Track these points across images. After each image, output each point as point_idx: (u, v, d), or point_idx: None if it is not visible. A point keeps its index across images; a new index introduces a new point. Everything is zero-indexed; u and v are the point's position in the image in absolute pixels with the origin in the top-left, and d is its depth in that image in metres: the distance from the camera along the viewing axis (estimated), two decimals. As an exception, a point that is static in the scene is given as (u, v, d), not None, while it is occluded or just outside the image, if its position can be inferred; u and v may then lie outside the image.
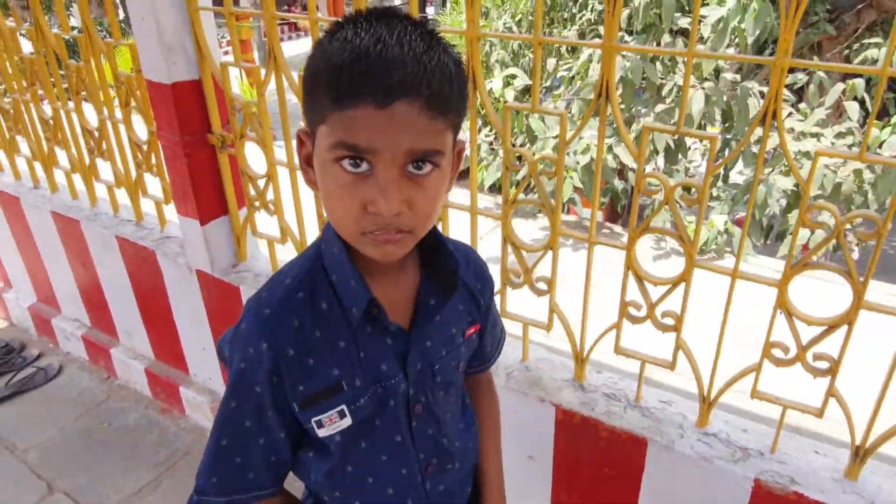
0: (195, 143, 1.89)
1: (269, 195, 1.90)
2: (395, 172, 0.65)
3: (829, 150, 1.19)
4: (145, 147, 2.11)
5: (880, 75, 1.06)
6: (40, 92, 2.37)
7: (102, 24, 9.12)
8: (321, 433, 0.79)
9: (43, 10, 2.17)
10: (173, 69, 1.79)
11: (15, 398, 2.59)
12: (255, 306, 0.77)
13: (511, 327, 1.70)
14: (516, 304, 1.64)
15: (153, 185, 2.20)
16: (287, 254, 1.98)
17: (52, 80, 2.29)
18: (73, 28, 2.17)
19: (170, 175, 1.98)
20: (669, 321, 1.44)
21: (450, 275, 0.82)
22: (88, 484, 2.18)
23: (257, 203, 1.93)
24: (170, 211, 2.18)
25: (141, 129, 2.12)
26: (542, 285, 1.57)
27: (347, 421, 0.79)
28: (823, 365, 1.30)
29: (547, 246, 1.52)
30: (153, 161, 2.12)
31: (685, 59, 1.24)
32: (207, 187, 1.96)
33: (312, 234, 1.85)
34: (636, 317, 1.48)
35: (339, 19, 0.69)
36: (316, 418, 0.78)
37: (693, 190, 1.29)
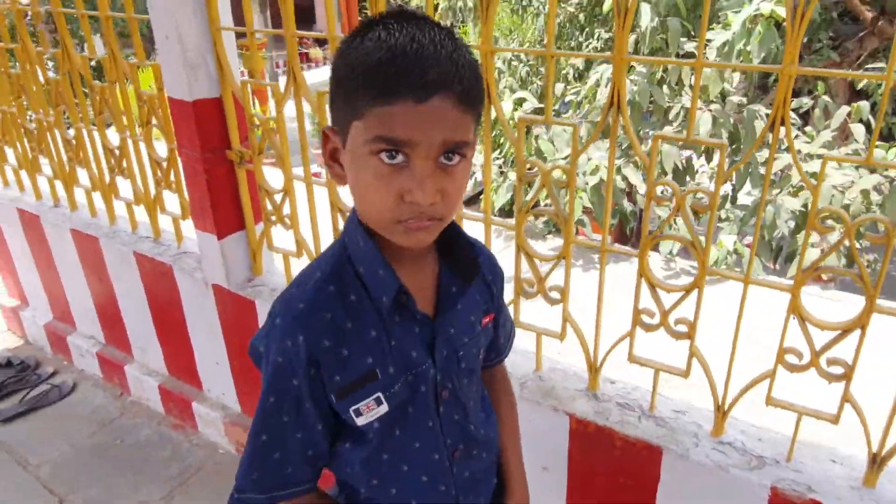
0: (214, 159, 1.94)
1: (286, 209, 1.94)
2: (430, 164, 0.69)
3: (837, 156, 1.22)
4: (164, 164, 2.16)
5: (884, 80, 1.09)
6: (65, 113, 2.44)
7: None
8: (360, 421, 0.81)
9: (70, 34, 2.25)
10: (195, 87, 1.84)
11: (29, 415, 2.61)
12: (288, 301, 0.79)
13: (524, 338, 1.72)
14: (528, 315, 1.66)
15: (171, 201, 2.24)
16: (302, 266, 2.02)
17: (76, 100, 2.36)
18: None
19: (189, 190, 2.03)
20: (683, 328, 1.45)
21: (470, 262, 0.85)
22: (100, 499, 2.18)
23: (274, 217, 1.97)
24: (186, 227, 2.22)
25: (160, 148, 2.17)
26: (555, 294, 1.59)
27: (384, 407, 0.81)
28: (838, 370, 1.30)
29: (560, 255, 1.55)
30: (172, 178, 2.17)
31: (692, 82, 1.27)
32: (225, 202, 2.00)
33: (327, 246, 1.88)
34: (649, 324, 1.49)
35: (366, 20, 0.72)
36: (354, 407, 0.80)
37: (701, 196, 1.32)
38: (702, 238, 1.35)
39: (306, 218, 1.89)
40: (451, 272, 0.86)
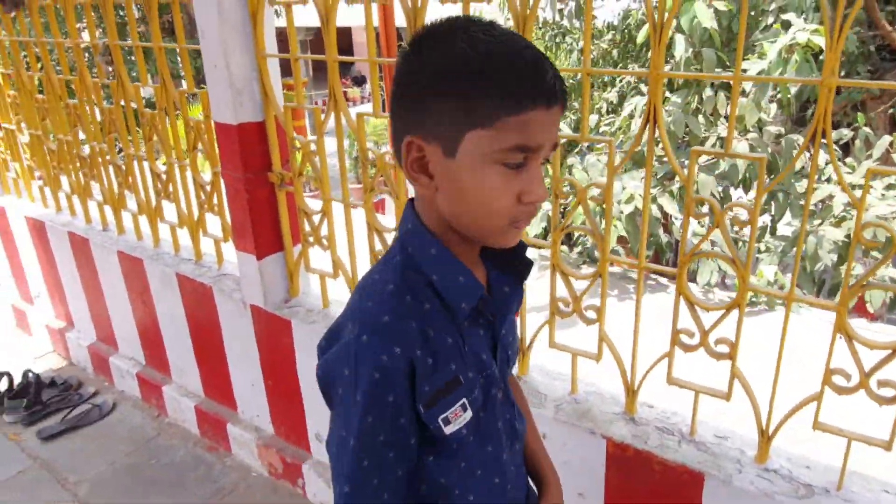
0: (256, 180, 2.00)
1: (324, 231, 1.98)
2: (540, 164, 0.73)
3: (882, 168, 1.20)
4: (208, 188, 2.24)
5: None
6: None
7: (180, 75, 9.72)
8: (448, 430, 0.79)
9: (125, 64, 2.37)
10: (240, 111, 1.91)
11: (70, 433, 2.66)
12: (369, 316, 0.75)
13: (559, 360, 1.70)
14: (563, 336, 1.64)
15: (213, 225, 2.31)
16: (338, 288, 2.04)
17: (127, 129, 2.47)
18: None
19: (231, 211, 2.08)
20: (724, 349, 1.42)
21: (524, 262, 0.86)
22: (135, 518, 2.20)
23: (311, 238, 2.00)
24: (227, 251, 2.27)
25: (205, 173, 2.25)
26: (591, 314, 1.58)
27: (469, 413, 0.80)
28: (890, 392, 1.26)
29: (596, 273, 1.54)
30: (214, 201, 2.24)
31: (727, 112, 1.27)
32: (265, 224, 2.05)
33: (363, 267, 1.91)
34: (689, 345, 1.46)
35: (439, 25, 0.72)
36: (442, 415, 0.78)
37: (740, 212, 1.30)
38: (743, 255, 1.33)
39: (343, 240, 1.92)
40: (499, 273, 0.87)
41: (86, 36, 2.47)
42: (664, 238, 4.22)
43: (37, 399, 2.78)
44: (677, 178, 3.94)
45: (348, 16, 1.69)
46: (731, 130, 1.32)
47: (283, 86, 2.03)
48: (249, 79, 1.91)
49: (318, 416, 2.15)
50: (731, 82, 1.29)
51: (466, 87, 0.67)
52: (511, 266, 0.87)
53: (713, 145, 3.89)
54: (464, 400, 0.79)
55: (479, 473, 0.85)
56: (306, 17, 1.98)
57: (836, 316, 1.26)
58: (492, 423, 0.86)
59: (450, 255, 0.78)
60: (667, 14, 1.27)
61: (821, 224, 3.66)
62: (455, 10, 1.52)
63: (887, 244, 1.20)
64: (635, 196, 3.70)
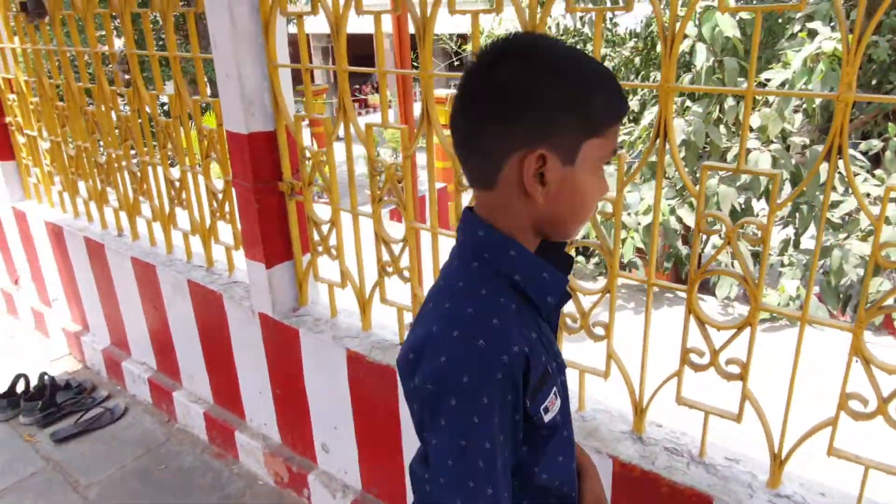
0: (266, 189, 2.00)
1: (332, 241, 1.97)
2: None
3: (901, 187, 1.14)
4: (220, 196, 2.24)
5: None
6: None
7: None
8: (547, 417, 0.82)
9: (141, 73, 2.40)
10: (251, 120, 1.92)
11: (82, 436, 2.68)
12: (476, 321, 0.76)
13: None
14: (570, 353, 1.61)
15: (225, 232, 2.31)
16: (346, 297, 2.03)
17: (143, 136, 2.49)
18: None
19: (241, 219, 2.09)
20: (735, 369, 1.37)
21: (567, 256, 0.90)
22: (142, 524, 2.21)
23: (321, 248, 2.00)
24: (239, 258, 2.28)
25: (217, 180, 2.25)
26: (599, 330, 1.54)
27: (559, 401, 0.84)
28: (909, 419, 1.20)
29: (604, 289, 1.50)
30: (227, 209, 2.24)
31: (750, 122, 1.24)
32: (275, 232, 2.05)
33: (371, 277, 1.90)
34: (698, 364, 1.42)
35: (524, 38, 0.78)
36: (543, 405, 0.81)
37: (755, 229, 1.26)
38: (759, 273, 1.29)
39: (351, 249, 1.91)
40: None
41: (107, 44, 2.50)
42: (684, 250, 4.15)
43: (52, 401, 2.81)
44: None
45: (370, 23, 1.67)
46: (744, 145, 1.28)
47: (298, 92, 2.04)
48: (261, 89, 1.91)
49: (324, 425, 2.14)
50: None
51: (588, 100, 0.74)
52: (558, 260, 0.89)
53: (736, 156, 3.81)
54: (554, 388, 0.83)
55: (560, 459, 0.89)
56: (324, 25, 1.97)
57: (853, 338, 1.21)
58: (567, 409, 0.89)
59: (531, 254, 0.82)
60: (678, 26, 1.24)
61: (847, 238, 3.56)
62: (464, 21, 1.50)
63: (907, 265, 1.15)
64: (653, 207, 3.63)
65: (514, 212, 0.80)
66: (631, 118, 5.11)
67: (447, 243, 1.68)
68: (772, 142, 3.60)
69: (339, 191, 1.93)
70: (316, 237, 2.01)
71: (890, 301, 1.23)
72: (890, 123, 4.54)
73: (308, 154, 1.92)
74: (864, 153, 4.44)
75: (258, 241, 2.03)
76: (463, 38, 9.35)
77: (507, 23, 6.39)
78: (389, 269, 1.85)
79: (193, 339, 2.50)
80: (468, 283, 0.80)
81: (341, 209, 1.91)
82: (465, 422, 0.74)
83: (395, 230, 1.86)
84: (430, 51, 1.58)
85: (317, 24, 1.84)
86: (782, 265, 3.91)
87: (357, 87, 18.23)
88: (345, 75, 1.77)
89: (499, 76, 0.74)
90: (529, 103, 0.73)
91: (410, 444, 1.87)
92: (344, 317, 2.07)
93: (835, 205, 3.68)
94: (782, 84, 3.37)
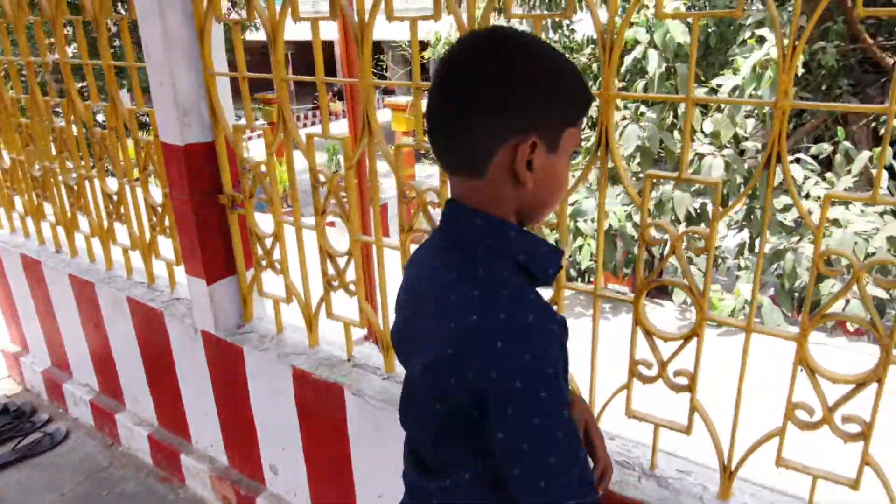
0: (205, 202, 1.92)
1: (277, 254, 1.89)
2: None
3: (840, 194, 1.13)
4: (160, 209, 2.15)
5: (888, 112, 1.02)
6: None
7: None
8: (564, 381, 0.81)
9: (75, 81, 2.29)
10: (186, 131, 1.84)
11: (20, 463, 2.54)
12: (515, 300, 0.76)
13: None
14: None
15: (166, 247, 2.22)
16: (294, 312, 1.96)
17: (79, 148, 2.38)
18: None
19: (180, 234, 2.00)
20: (682, 380, 1.34)
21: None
22: (81, 556, 2.09)
23: (264, 262, 1.92)
24: (180, 273, 2.18)
25: (157, 193, 2.16)
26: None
27: (562, 365, 0.81)
28: (854, 428, 1.19)
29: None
30: (167, 223, 2.15)
31: (702, 128, 1.23)
32: (216, 247, 1.97)
33: (317, 291, 1.83)
34: (647, 376, 1.39)
35: (514, 32, 0.78)
36: (562, 367, 0.80)
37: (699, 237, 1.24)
38: (712, 283, 1.26)
39: (297, 263, 1.84)
40: None
41: (39, 53, 2.38)
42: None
43: (-13, 428, 2.66)
44: (652, 195, 3.88)
45: (332, 30, 1.62)
46: (687, 151, 1.25)
47: (262, 101, 1.96)
48: (197, 98, 1.84)
49: (272, 446, 2.06)
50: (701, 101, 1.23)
51: (571, 89, 0.78)
52: None
53: (691, 161, 3.85)
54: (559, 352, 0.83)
55: (559, 436, 0.85)
56: (291, 31, 1.88)
57: (797, 348, 1.20)
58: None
59: (528, 232, 0.84)
60: (615, 35, 1.21)
61: (799, 241, 3.61)
62: (402, 28, 1.46)
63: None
64: (609, 213, 3.64)
65: (503, 198, 0.81)
66: (589, 124, 5.13)
67: (392, 256, 1.63)
68: (725, 147, 3.64)
69: (299, 202, 1.85)
70: (259, 251, 1.93)
71: (834, 308, 1.22)
72: (840, 128, 4.64)
73: (248, 165, 1.85)
74: (816, 157, 4.54)
75: (198, 256, 1.95)
76: (423, 45, 9.34)
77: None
78: (335, 283, 1.79)
79: (136, 359, 2.39)
80: (486, 269, 0.80)
81: (285, 222, 1.84)
82: (535, 399, 0.73)
83: (341, 242, 1.79)
84: (370, 58, 1.53)
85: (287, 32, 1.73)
86: (739, 268, 3.96)
87: (315, 95, 18.03)
88: (283, 84, 1.70)
89: (490, 65, 0.75)
90: (523, 92, 0.75)
91: (360, 463, 1.81)
92: (290, 333, 2.00)
93: (787, 208, 3.74)
94: (733, 89, 3.41)
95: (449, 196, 0.91)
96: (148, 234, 2.25)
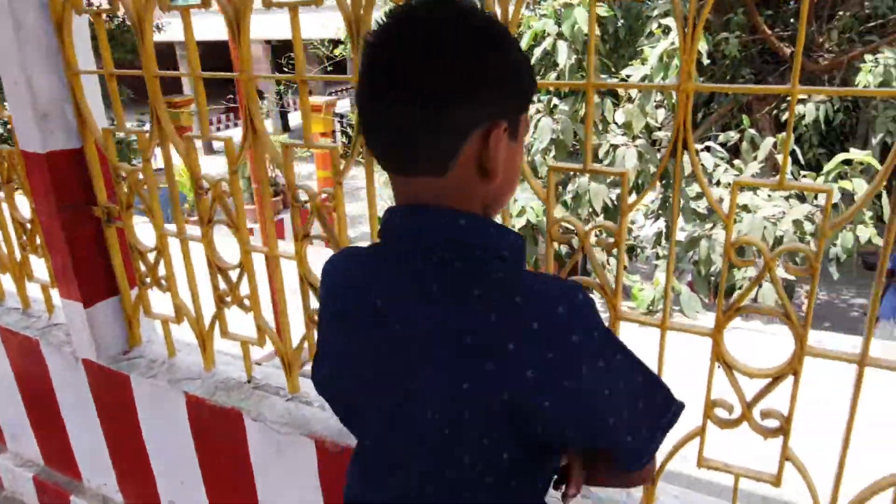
0: (77, 217, 1.71)
1: (162, 270, 1.71)
2: None
3: (747, 181, 1.08)
4: (29, 226, 1.92)
5: (790, 93, 0.97)
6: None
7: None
8: None
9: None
10: (49, 137, 1.63)
11: None
12: (552, 282, 0.71)
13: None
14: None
15: (41, 268, 1.98)
16: (183, 332, 1.78)
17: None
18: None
19: (51, 253, 1.78)
20: (773, 423, 1.26)
21: None
22: None
23: (149, 279, 1.73)
24: (57, 297, 1.95)
25: (27, 208, 1.92)
26: (771, 422, 1.15)
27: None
28: (773, 423, 1.15)
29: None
30: (38, 241, 1.92)
31: (614, 119, 1.17)
32: (92, 265, 1.76)
33: (209, 309, 1.66)
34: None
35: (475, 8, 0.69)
36: None
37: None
38: (629, 279, 1.19)
39: (184, 279, 1.66)
40: None
41: None
42: (563, 249, 4.17)
43: None
44: (569, 188, 3.89)
45: (224, 30, 1.44)
46: (589, 141, 1.18)
47: (168, 104, 1.76)
48: (59, 100, 1.63)
49: (169, 481, 1.87)
50: (616, 88, 1.15)
51: (527, 72, 0.73)
52: None
53: (606, 152, 3.87)
54: None
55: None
56: (205, 30, 1.69)
57: (713, 344, 1.15)
58: None
59: (500, 224, 0.78)
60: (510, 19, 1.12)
61: (713, 228, 3.69)
62: (316, 26, 1.32)
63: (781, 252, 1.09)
64: (526, 209, 3.60)
65: (470, 193, 0.73)
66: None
67: (288, 266, 1.49)
68: (638, 137, 3.68)
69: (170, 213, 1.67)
70: (143, 268, 1.74)
71: (747, 301, 1.18)
72: (745, 115, 4.81)
73: (123, 173, 1.66)
74: (724, 145, 4.68)
75: (72, 276, 1.74)
76: (335, 43, 9.14)
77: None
78: (228, 299, 1.62)
79: (13, 394, 2.13)
80: (504, 269, 0.73)
81: (168, 234, 1.66)
82: (614, 360, 0.71)
83: (231, 254, 1.62)
84: (248, 48, 1.39)
85: (214, 31, 1.55)
86: (657, 257, 4.03)
87: (231, 96, 17.37)
88: (155, 81, 1.52)
89: (454, 45, 0.66)
90: (488, 77, 0.68)
91: (266, 490, 1.66)
92: (184, 355, 1.82)
93: (700, 196, 3.82)
94: (642, 79, 3.44)
95: (393, 202, 0.77)
96: (18, 253, 2.00)
